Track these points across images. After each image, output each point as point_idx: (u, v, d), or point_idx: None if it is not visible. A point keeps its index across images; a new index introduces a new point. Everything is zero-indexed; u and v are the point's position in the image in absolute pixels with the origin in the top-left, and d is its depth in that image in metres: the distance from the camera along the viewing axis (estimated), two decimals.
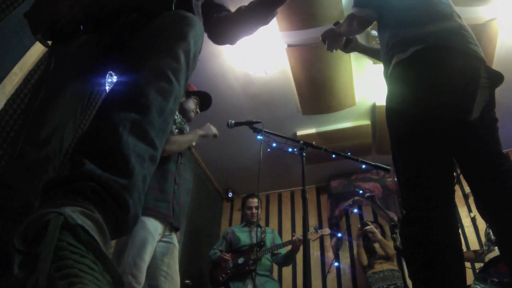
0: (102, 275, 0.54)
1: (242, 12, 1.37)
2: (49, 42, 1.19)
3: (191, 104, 2.40)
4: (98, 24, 1.10)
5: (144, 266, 1.82)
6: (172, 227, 2.09)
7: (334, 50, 1.98)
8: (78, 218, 0.58)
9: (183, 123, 2.30)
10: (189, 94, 2.42)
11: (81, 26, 1.07)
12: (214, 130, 2.37)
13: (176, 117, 2.24)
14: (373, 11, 1.64)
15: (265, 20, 1.34)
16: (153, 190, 2.02)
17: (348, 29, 1.81)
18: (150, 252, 1.89)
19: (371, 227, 3.88)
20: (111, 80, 1.28)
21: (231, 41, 1.46)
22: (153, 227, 1.92)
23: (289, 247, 3.40)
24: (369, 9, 1.65)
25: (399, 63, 1.40)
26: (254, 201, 3.73)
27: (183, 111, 2.35)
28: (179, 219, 2.16)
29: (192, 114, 2.39)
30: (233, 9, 1.41)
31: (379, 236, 3.81)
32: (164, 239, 2.06)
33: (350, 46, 1.96)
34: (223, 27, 1.42)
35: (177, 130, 2.24)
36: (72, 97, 1.08)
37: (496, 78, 1.42)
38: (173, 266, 2.05)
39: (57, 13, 1.08)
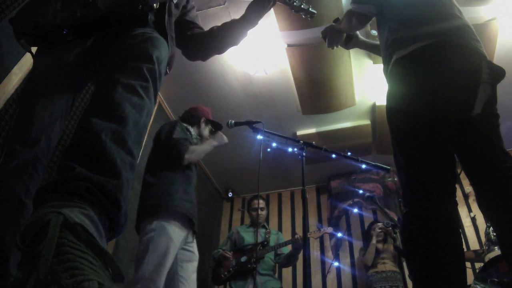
0: (102, 270, 0.56)
1: (215, 32, 1.50)
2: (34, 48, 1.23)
3: (207, 133, 2.65)
4: (81, 31, 1.15)
5: (165, 272, 1.89)
6: (194, 232, 2.19)
7: (335, 47, 1.98)
8: (77, 217, 0.61)
9: (198, 139, 2.54)
10: (208, 122, 2.67)
11: (65, 32, 1.12)
12: (225, 138, 2.57)
13: (194, 135, 2.52)
14: (372, 7, 1.63)
15: (236, 41, 1.50)
16: (178, 191, 2.15)
17: (347, 26, 1.80)
18: (172, 258, 1.95)
19: (391, 228, 3.87)
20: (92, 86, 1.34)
21: (203, 58, 1.59)
22: (175, 234, 2.00)
23: (290, 246, 3.40)
24: (367, 5, 1.65)
25: (399, 60, 1.39)
26: (261, 202, 3.75)
27: (200, 136, 2.60)
28: None
29: (204, 141, 2.63)
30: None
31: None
32: (186, 247, 2.14)
33: (351, 42, 1.96)
34: (196, 45, 1.53)
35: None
36: (58, 99, 1.13)
37: (498, 73, 1.41)
38: (191, 275, 2.12)
39: (40, 19, 1.13)
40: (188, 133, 2.47)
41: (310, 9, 1.43)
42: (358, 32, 1.94)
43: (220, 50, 1.55)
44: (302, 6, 1.41)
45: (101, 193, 0.69)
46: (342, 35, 1.92)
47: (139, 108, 0.89)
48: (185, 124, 2.52)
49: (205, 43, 1.52)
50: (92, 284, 0.51)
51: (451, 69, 1.32)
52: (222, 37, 1.50)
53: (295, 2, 1.39)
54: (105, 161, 0.74)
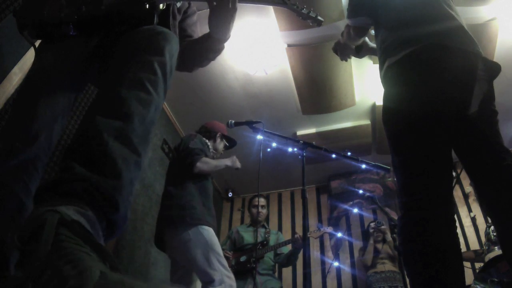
0: (101, 263, 0.56)
1: (191, 48, 1.44)
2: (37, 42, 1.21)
3: (221, 147, 2.83)
4: (86, 28, 1.13)
5: (226, 264, 2.22)
6: None
7: (348, 59, 2.02)
8: (74, 215, 0.61)
9: (213, 153, 2.73)
10: (222, 137, 2.84)
11: (70, 27, 1.11)
12: (238, 164, 2.72)
13: (211, 148, 2.70)
14: (365, 17, 1.66)
15: (212, 57, 1.46)
16: (199, 205, 2.33)
17: (347, 39, 1.85)
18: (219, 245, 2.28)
19: (385, 227, 3.89)
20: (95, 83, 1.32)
21: (188, 71, 1.53)
22: (213, 232, 2.31)
23: (290, 246, 3.40)
24: (361, 17, 1.67)
25: (391, 66, 1.41)
26: (260, 200, 3.76)
27: (215, 149, 2.78)
28: None
29: (219, 155, 2.84)
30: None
31: (389, 237, 3.82)
32: None
33: (362, 51, 1.98)
34: (182, 56, 1.47)
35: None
36: (60, 97, 1.11)
37: (494, 69, 1.40)
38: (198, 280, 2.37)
39: (45, 13, 1.11)
40: (206, 146, 2.64)
41: (317, 17, 1.42)
42: (367, 39, 1.95)
43: (200, 65, 1.51)
44: (310, 13, 1.40)
45: (99, 194, 0.69)
46: (351, 46, 1.94)
47: (146, 104, 0.87)
48: (203, 138, 2.70)
49: (185, 58, 1.47)
50: (94, 271, 0.51)
51: (445, 68, 1.32)
52: (193, 55, 1.46)
53: (303, 9, 1.39)
54: (106, 162, 0.73)
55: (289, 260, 3.42)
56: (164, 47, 0.99)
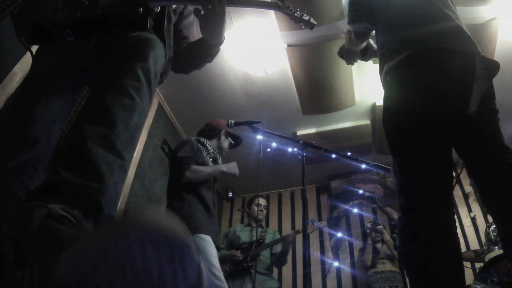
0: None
1: (188, 51, 1.46)
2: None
3: (226, 145, 2.80)
4: (82, 31, 1.15)
5: (219, 273, 2.14)
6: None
7: (354, 62, 2.05)
8: (61, 210, 0.65)
9: (216, 152, 2.69)
10: (227, 135, 2.80)
11: (67, 30, 1.13)
12: (236, 171, 2.67)
13: (210, 149, 2.65)
14: (365, 22, 1.67)
15: (208, 59, 1.47)
16: (197, 213, 2.30)
17: (350, 44, 1.87)
18: (217, 260, 2.23)
19: (381, 227, 3.90)
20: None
21: (185, 73, 1.56)
22: (211, 241, 2.25)
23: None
24: (360, 22, 1.69)
25: (390, 69, 1.42)
26: (261, 201, 3.76)
27: (220, 149, 2.74)
28: None
29: (224, 153, 2.79)
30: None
31: (388, 236, 3.83)
32: None
33: (367, 54, 1.99)
34: (179, 59, 1.49)
35: (211, 159, 2.62)
36: (59, 98, 1.13)
37: (493, 67, 1.40)
38: None
39: (41, 17, 1.13)
40: (204, 148, 2.60)
41: (310, 20, 1.43)
42: (372, 42, 1.95)
43: (197, 67, 1.54)
44: (303, 17, 1.41)
45: (83, 197, 0.73)
46: (356, 50, 1.96)
47: (130, 110, 0.91)
48: (202, 139, 2.65)
49: (182, 60, 1.50)
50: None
51: (442, 70, 1.32)
52: (190, 58, 1.49)
53: (296, 13, 1.39)
54: (89, 167, 0.78)
55: (279, 260, 3.39)
56: (148, 54, 1.03)
